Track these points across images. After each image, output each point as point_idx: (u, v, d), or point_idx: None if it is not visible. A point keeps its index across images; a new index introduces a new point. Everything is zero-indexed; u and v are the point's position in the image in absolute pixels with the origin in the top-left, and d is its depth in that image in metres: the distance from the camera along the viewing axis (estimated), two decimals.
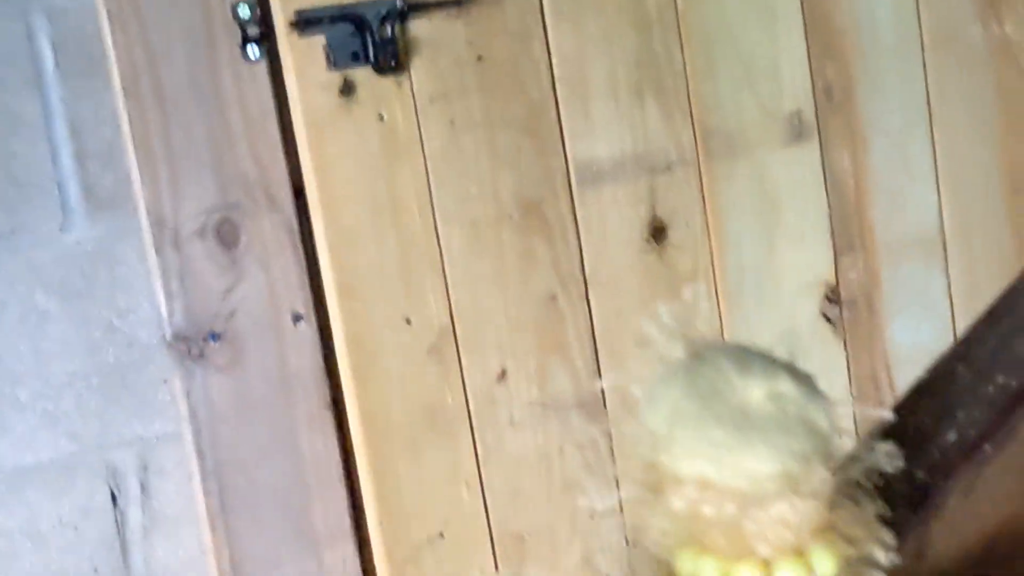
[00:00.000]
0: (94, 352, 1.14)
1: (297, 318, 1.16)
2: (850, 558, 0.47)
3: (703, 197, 1.26)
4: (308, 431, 1.16)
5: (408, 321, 1.16)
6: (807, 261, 1.31)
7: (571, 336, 1.22)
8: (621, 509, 0.50)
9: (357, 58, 1.15)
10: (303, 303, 1.16)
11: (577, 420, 1.21)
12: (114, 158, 1.15)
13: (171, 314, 1.14)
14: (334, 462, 1.16)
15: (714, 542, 0.47)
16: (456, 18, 1.17)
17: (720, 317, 1.27)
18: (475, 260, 1.18)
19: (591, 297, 1.22)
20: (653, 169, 1.23)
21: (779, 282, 1.29)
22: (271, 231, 1.15)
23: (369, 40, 1.14)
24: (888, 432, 0.49)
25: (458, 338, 1.17)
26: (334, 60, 1.14)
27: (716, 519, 0.46)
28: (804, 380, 0.49)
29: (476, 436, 1.19)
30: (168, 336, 1.14)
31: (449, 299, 1.17)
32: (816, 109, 1.31)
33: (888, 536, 0.47)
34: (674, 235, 1.24)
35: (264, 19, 1.14)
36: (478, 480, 1.19)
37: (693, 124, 1.25)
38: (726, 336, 1.24)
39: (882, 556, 0.47)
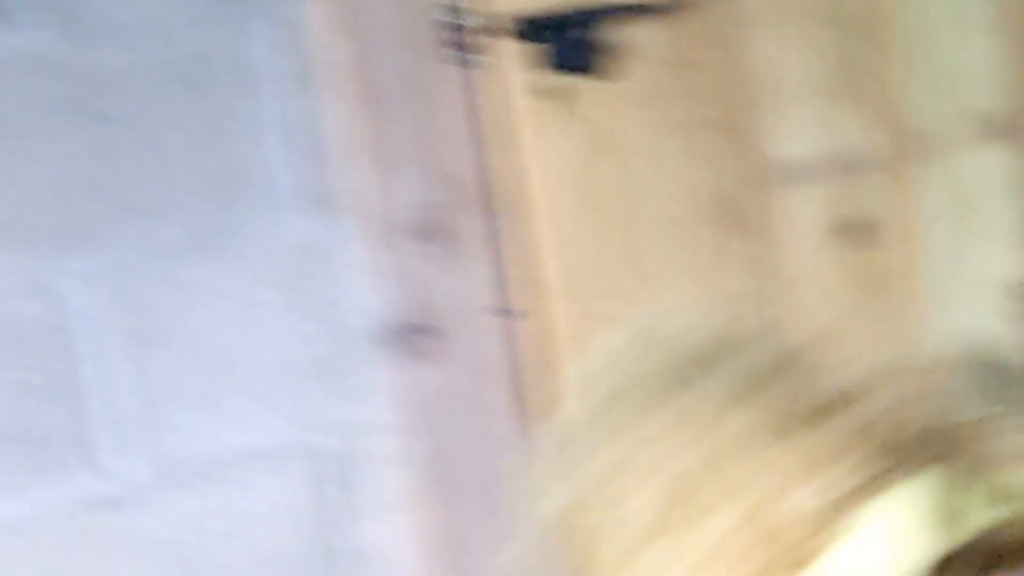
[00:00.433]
0: (307, 342, 1.23)
1: (502, 313, 1.22)
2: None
3: (900, 198, 1.29)
4: (506, 421, 1.22)
5: (610, 316, 1.21)
6: (1001, 262, 1.33)
7: None
8: None
9: (569, 63, 1.21)
10: (508, 298, 1.22)
11: None
12: (328, 158, 1.22)
13: (380, 307, 1.21)
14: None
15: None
16: (663, 25, 1.22)
17: (913, 317, 1.29)
18: (673, 256, 1.23)
19: (784, 295, 1.26)
20: (850, 169, 1.27)
21: (972, 282, 1.32)
22: (478, 228, 1.22)
23: (581, 47, 1.20)
24: None
25: None
26: (547, 65, 1.21)
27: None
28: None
29: None
30: (377, 329, 1.22)
31: (648, 294, 1.22)
32: (1012, 110, 1.33)
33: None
34: (870, 235, 1.28)
35: (475, 24, 1.20)
36: None
37: (890, 125, 1.28)
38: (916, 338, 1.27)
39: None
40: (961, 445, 0.47)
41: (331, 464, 1.24)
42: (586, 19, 1.20)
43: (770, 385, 0.45)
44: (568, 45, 1.19)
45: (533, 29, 1.19)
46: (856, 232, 1.28)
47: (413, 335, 1.21)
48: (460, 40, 1.20)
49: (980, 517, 0.46)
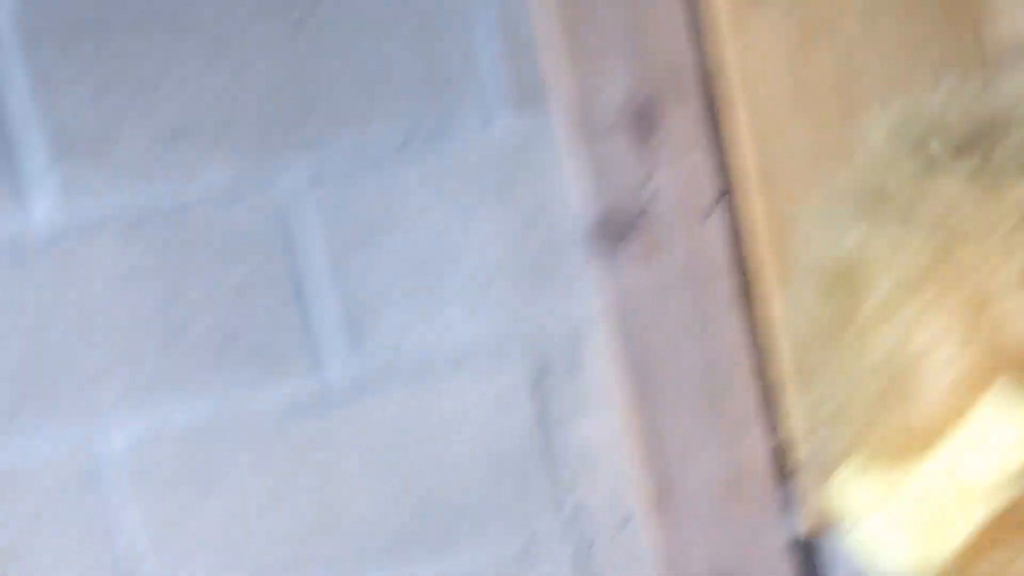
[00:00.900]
0: (519, 243, 1.26)
1: (712, 208, 1.22)
2: None
3: None
4: (723, 319, 1.23)
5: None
6: None
7: None
8: None
9: None
10: (718, 193, 1.22)
11: None
12: (534, 51, 1.24)
13: (590, 206, 1.22)
14: (746, 351, 1.24)
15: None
16: None
17: None
18: None
19: None
20: None
21: None
22: (687, 121, 1.21)
23: None
24: None
25: None
26: None
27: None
28: None
29: None
30: (587, 228, 1.24)
31: None
32: None
33: None
34: None
35: None
36: None
37: None
38: None
39: None
40: None
41: (546, 363, 1.28)
42: None
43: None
44: None
45: None
46: None
47: (624, 232, 1.22)
48: None
49: None
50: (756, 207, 1.20)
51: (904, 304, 0.45)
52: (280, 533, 1.28)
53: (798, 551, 1.28)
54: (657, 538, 1.26)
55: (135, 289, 1.21)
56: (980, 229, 0.44)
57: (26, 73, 1.16)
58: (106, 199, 1.20)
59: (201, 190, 1.21)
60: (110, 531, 1.24)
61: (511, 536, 1.31)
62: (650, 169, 1.21)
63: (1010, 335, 0.43)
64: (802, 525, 1.25)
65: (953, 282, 0.44)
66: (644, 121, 1.20)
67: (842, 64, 1.19)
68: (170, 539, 1.26)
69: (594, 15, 1.19)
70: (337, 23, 1.21)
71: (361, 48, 1.22)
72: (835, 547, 1.20)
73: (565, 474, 1.31)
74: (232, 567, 1.28)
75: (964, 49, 1.22)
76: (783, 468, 1.27)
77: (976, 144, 0.45)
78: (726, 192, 1.22)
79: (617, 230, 1.21)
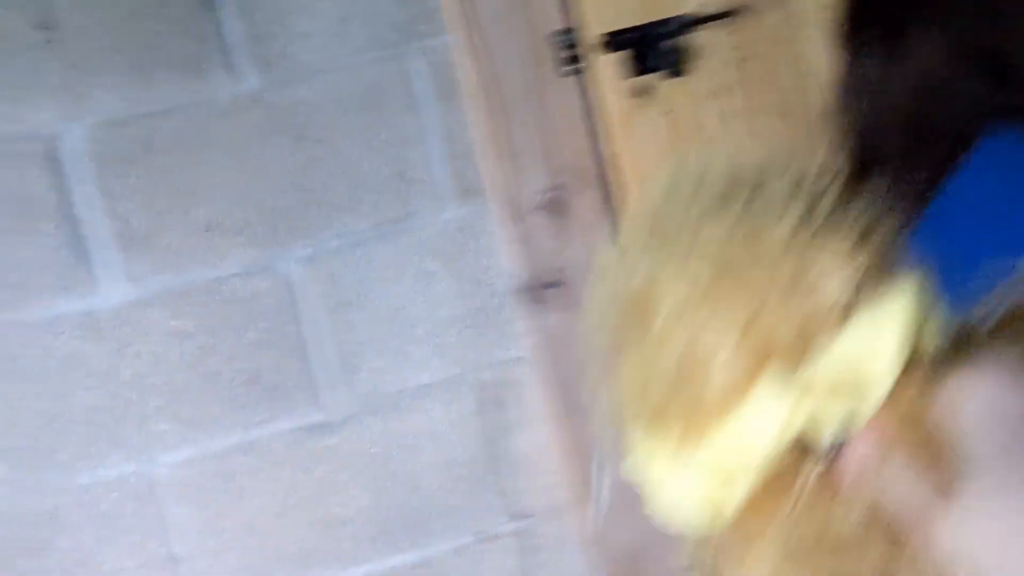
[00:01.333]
0: (467, 300, 1.53)
1: None
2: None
3: None
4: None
5: None
6: None
7: None
8: None
9: (649, 67, 1.47)
10: None
11: None
12: (474, 156, 1.51)
13: (519, 270, 1.50)
14: None
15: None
16: (726, 29, 1.47)
17: None
18: None
19: None
20: None
21: None
22: (591, 203, 1.49)
23: (658, 52, 1.47)
24: None
25: None
26: (631, 70, 1.47)
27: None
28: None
29: None
30: (518, 286, 1.51)
31: None
32: None
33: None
34: None
35: (576, 43, 1.48)
36: None
37: None
38: None
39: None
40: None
41: (489, 391, 1.54)
42: (661, 30, 1.45)
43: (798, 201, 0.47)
44: (647, 52, 1.46)
45: (619, 42, 1.46)
46: None
47: (545, 289, 1.50)
48: (567, 56, 1.48)
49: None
50: None
51: (686, 320, 0.47)
52: (293, 530, 1.52)
53: None
54: (582, 525, 1.52)
55: (179, 346, 1.48)
56: (745, 262, 0.46)
57: (94, 188, 1.44)
58: (156, 279, 1.47)
59: (228, 269, 1.48)
60: (164, 532, 1.49)
61: (469, 528, 1.55)
62: (564, 241, 1.49)
63: (774, 339, 0.46)
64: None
65: (726, 302, 0.46)
66: (557, 205, 1.49)
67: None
68: (209, 537, 1.50)
69: (514, 126, 1.48)
70: (327, 138, 1.48)
71: (345, 157, 1.49)
72: None
73: (508, 477, 1.55)
74: (258, 558, 1.52)
75: (802, 145, 1.50)
76: None
77: (736, 196, 0.49)
78: None
79: (541, 288, 1.50)
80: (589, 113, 1.49)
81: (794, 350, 0.46)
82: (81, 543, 1.48)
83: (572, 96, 1.49)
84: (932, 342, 0.47)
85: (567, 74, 1.48)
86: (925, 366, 0.47)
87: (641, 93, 1.48)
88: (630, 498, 1.49)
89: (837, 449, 0.46)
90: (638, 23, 1.46)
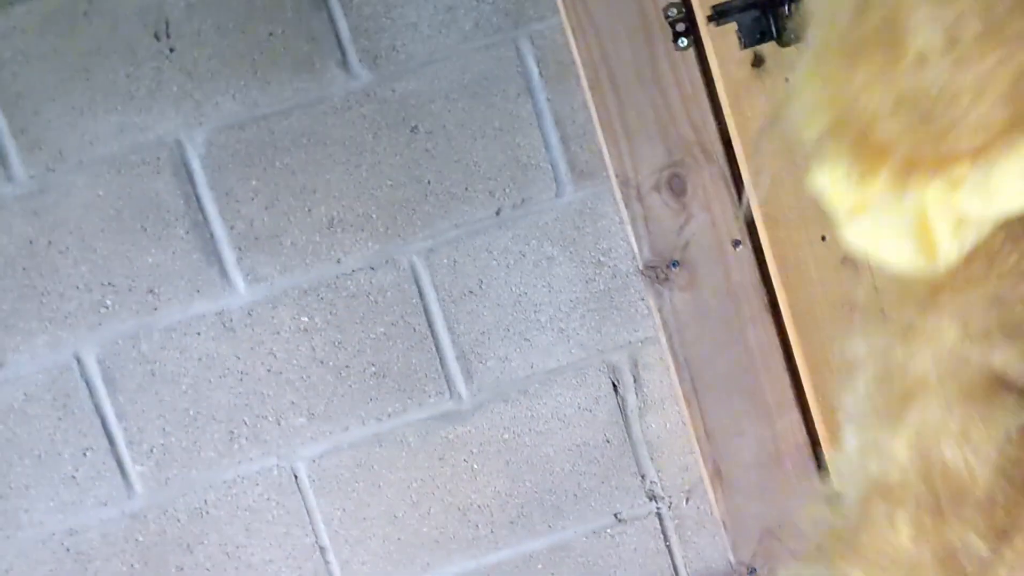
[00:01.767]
0: (589, 283, 1.53)
1: (736, 243, 1.48)
2: None
3: None
4: (753, 328, 1.48)
5: (823, 238, 1.45)
6: None
7: None
8: None
9: (763, 36, 1.43)
10: (739, 231, 1.48)
11: None
12: (589, 138, 1.50)
13: (641, 250, 1.49)
14: (776, 350, 1.49)
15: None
16: None
17: None
18: None
19: None
20: None
21: None
22: (709, 179, 1.47)
23: (771, 19, 1.42)
24: None
25: None
26: (744, 40, 1.43)
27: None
28: None
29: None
30: (640, 266, 1.50)
31: None
32: None
33: None
34: None
35: (688, 16, 1.45)
36: None
37: None
38: None
39: None
40: None
41: (616, 374, 1.54)
42: (765, 0, 1.42)
43: None
44: (752, 22, 1.42)
45: (733, 10, 1.42)
46: None
47: (669, 268, 1.49)
48: (679, 29, 1.45)
49: None
50: (770, 241, 1.45)
51: (948, 53, 0.42)
52: (430, 518, 1.55)
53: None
54: (716, 504, 1.51)
55: (309, 342, 1.51)
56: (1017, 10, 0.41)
57: (219, 191, 1.48)
58: (283, 278, 1.50)
59: (351, 265, 1.50)
60: (308, 523, 1.54)
61: (604, 511, 1.56)
62: (685, 218, 1.47)
63: None
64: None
65: (997, 46, 0.41)
66: (677, 182, 1.47)
67: None
68: (350, 526, 1.54)
69: (627, 105, 1.46)
70: (440, 129, 1.50)
71: (459, 146, 1.50)
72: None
73: (642, 459, 1.55)
74: (399, 545, 1.55)
75: None
76: (814, 441, 1.50)
77: None
78: (746, 230, 1.47)
79: (664, 266, 1.49)
80: (705, 87, 1.46)
81: None
82: (230, 537, 1.53)
83: (686, 70, 1.47)
84: None
85: (680, 48, 1.46)
86: None
87: (759, 63, 1.44)
88: (763, 478, 1.49)
89: None
90: None
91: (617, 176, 1.48)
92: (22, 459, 1.51)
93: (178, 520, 1.53)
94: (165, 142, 1.48)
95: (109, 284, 1.50)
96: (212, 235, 1.49)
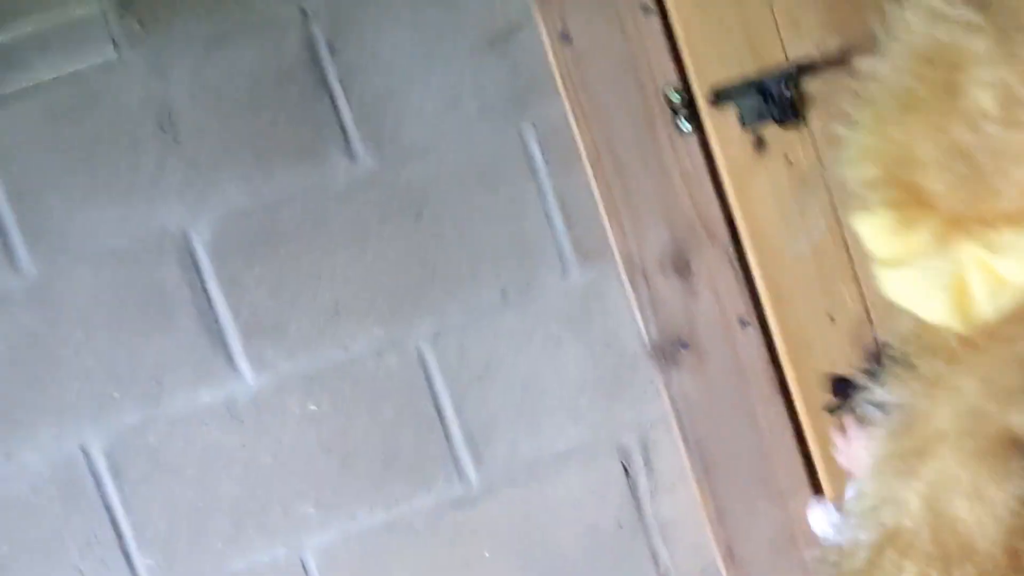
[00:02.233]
0: (597, 364, 1.52)
1: (744, 323, 1.48)
2: None
3: None
4: (763, 408, 1.48)
5: (832, 318, 1.45)
6: None
7: None
8: None
9: (763, 117, 1.44)
10: (747, 311, 1.48)
11: None
12: (593, 220, 1.51)
13: (648, 331, 1.49)
14: (787, 430, 1.48)
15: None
16: (844, 72, 1.43)
17: None
18: None
19: None
20: None
21: None
22: (714, 259, 1.47)
23: (771, 102, 1.44)
24: None
25: (875, 327, 1.45)
26: (745, 122, 1.45)
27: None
28: None
29: None
30: (648, 347, 1.50)
31: (863, 297, 1.45)
32: None
33: None
34: None
35: (688, 100, 1.46)
36: None
37: None
38: None
39: None
40: None
41: (627, 456, 1.52)
42: (775, 79, 1.42)
43: None
44: (753, 104, 1.43)
45: (733, 94, 1.44)
46: None
47: (675, 349, 1.49)
48: (680, 112, 1.46)
49: None
50: (777, 320, 1.45)
51: (1008, 105, 0.42)
52: None
53: None
54: None
55: (316, 429, 1.50)
56: None
57: (223, 279, 1.48)
58: (289, 364, 1.49)
59: (357, 350, 1.50)
60: None
61: None
62: (691, 298, 1.48)
63: None
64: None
65: None
66: (682, 262, 1.47)
67: (828, 202, 1.44)
68: None
69: (632, 187, 1.47)
70: (445, 214, 1.50)
71: (464, 230, 1.50)
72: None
73: (654, 541, 1.53)
74: None
75: None
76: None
77: None
78: (754, 310, 1.47)
79: (672, 346, 1.48)
80: (707, 168, 1.47)
81: None
82: None
83: (688, 152, 1.48)
84: None
85: (682, 131, 1.47)
86: None
87: (760, 144, 1.46)
88: (777, 559, 1.47)
89: None
90: (748, 73, 1.44)
91: (622, 257, 1.49)
92: (29, 551, 1.49)
93: None
94: (169, 231, 1.48)
95: (114, 374, 1.49)
96: (218, 323, 1.49)
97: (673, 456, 1.52)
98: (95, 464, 1.49)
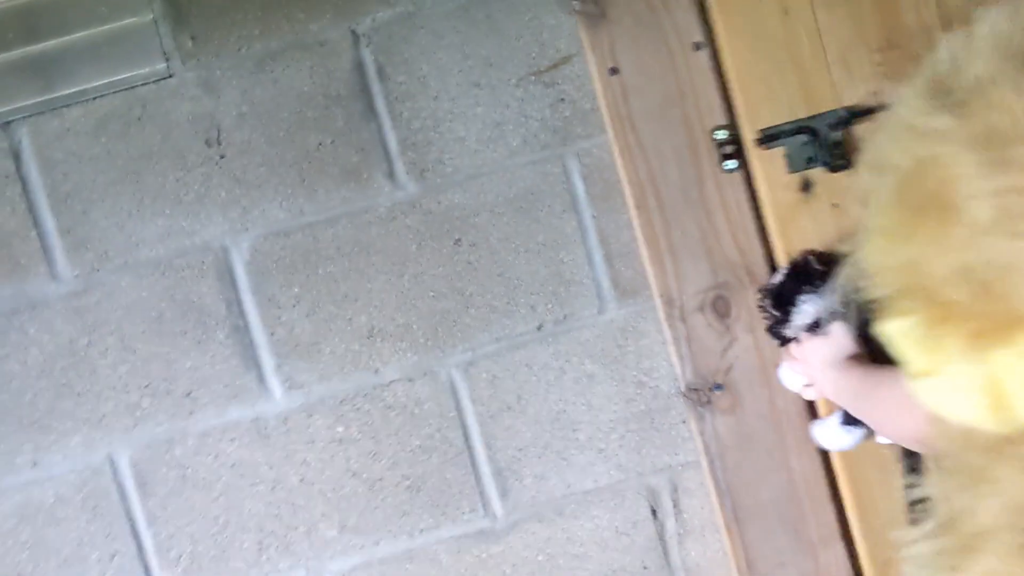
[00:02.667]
0: (630, 403, 1.50)
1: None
2: None
3: None
4: (798, 456, 1.44)
5: None
6: None
7: None
8: None
9: (811, 161, 1.42)
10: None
11: None
12: (633, 256, 1.49)
13: (683, 371, 1.47)
14: (821, 480, 1.44)
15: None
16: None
17: None
18: None
19: None
20: None
21: None
22: (754, 301, 1.45)
23: (820, 145, 1.42)
24: None
25: None
26: (793, 164, 1.43)
27: None
28: None
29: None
30: (682, 388, 1.48)
31: None
32: None
33: None
34: None
35: (735, 139, 1.45)
36: None
37: None
38: None
39: None
40: None
41: (655, 498, 1.50)
42: (823, 123, 1.41)
43: None
44: (802, 146, 1.41)
45: (780, 135, 1.42)
46: None
47: (710, 391, 1.46)
48: (726, 151, 1.45)
49: None
50: None
51: (1005, 221, 0.43)
52: None
53: None
54: None
55: (344, 453, 1.49)
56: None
57: (261, 297, 1.48)
58: (321, 386, 1.49)
59: (389, 375, 1.49)
60: None
61: None
62: (728, 341, 1.45)
63: None
64: None
65: None
66: (721, 303, 1.45)
67: None
68: None
69: (673, 225, 1.45)
70: (484, 243, 1.49)
71: (502, 259, 1.49)
72: None
73: None
74: None
75: None
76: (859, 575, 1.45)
77: None
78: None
79: (706, 388, 1.46)
80: (752, 209, 1.45)
81: None
82: None
83: (733, 192, 1.46)
84: None
85: (727, 170, 1.45)
86: None
87: (806, 187, 1.44)
88: None
89: None
90: (797, 117, 1.42)
91: (661, 295, 1.47)
92: (48, 560, 1.49)
93: None
94: (210, 247, 1.49)
95: (147, 386, 1.49)
96: (252, 341, 1.49)
97: (703, 500, 1.49)
98: (121, 475, 1.49)
